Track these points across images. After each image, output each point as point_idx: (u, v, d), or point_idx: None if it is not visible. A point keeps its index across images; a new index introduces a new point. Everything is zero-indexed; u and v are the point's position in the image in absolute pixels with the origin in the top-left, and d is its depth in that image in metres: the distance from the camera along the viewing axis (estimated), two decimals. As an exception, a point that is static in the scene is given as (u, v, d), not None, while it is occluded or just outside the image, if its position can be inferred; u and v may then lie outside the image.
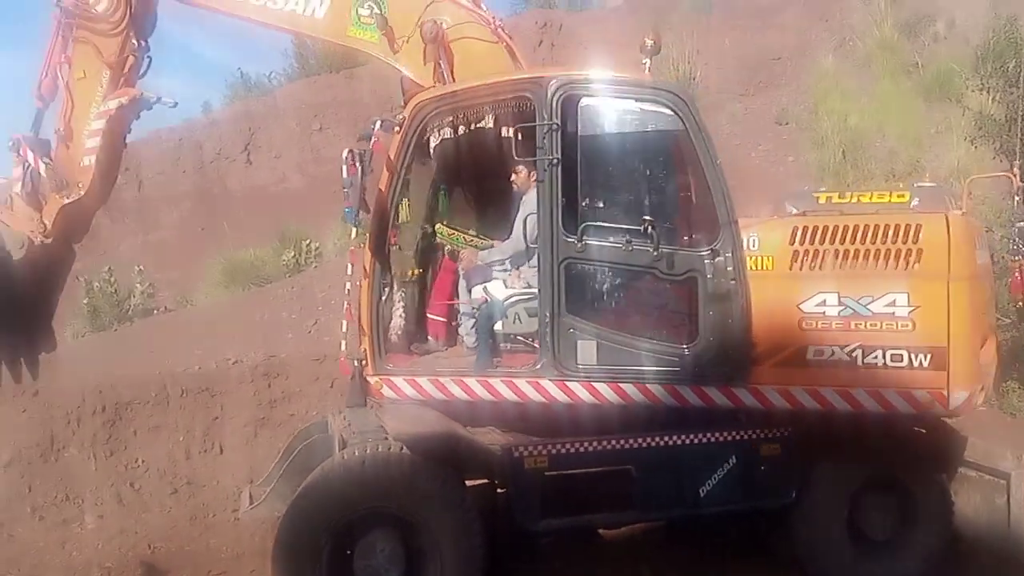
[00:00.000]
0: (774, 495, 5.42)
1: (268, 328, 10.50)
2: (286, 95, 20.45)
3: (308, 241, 13.88)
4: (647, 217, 5.06)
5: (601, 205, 5.25)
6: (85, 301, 12.31)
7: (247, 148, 19.47)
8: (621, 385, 5.19)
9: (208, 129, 19.97)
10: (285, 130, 19.56)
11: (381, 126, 5.56)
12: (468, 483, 5.31)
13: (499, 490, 5.47)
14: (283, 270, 13.34)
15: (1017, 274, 5.87)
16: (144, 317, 12.27)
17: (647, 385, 5.18)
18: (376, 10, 5.44)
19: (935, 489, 5.67)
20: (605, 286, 5.27)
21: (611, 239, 5.14)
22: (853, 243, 4.97)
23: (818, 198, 5.51)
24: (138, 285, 12.96)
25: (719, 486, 5.31)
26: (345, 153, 5.29)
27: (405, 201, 5.86)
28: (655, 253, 5.04)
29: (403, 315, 5.93)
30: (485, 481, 5.57)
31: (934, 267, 4.85)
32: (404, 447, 4.95)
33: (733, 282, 5.01)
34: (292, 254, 13.55)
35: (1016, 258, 5.91)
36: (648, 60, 5.50)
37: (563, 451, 5.18)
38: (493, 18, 5.78)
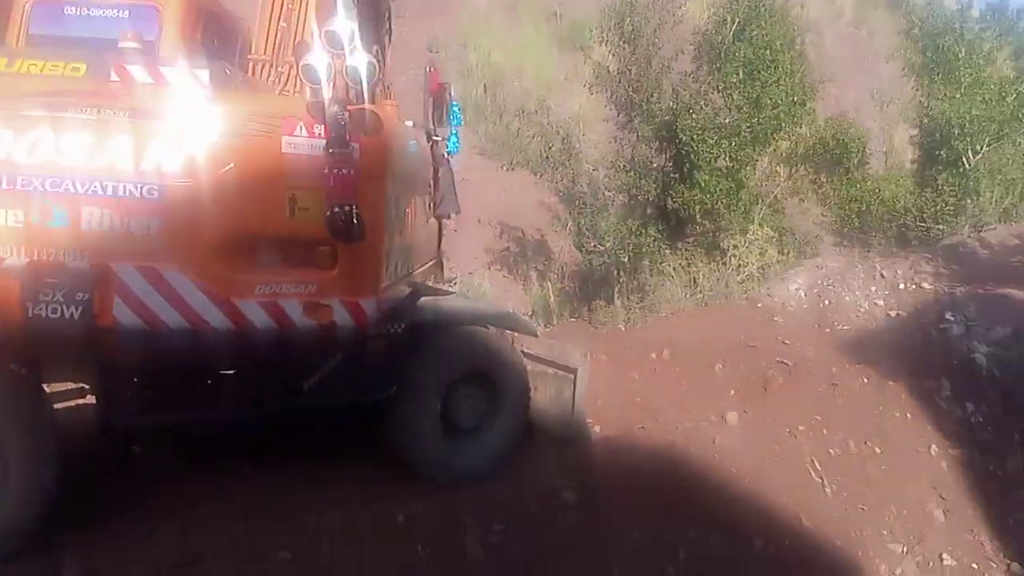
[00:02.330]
0: (375, 390, 5.61)
1: None
2: None
3: None
4: None
5: None
6: None
7: None
8: None
9: None
10: None
11: None
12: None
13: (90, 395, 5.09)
14: None
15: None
16: None
17: None
18: None
19: (516, 383, 6.32)
20: None
21: None
22: None
23: None
24: None
25: (322, 382, 5.38)
26: None
27: None
28: None
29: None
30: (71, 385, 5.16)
31: None
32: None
33: None
34: None
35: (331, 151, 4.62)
36: None
37: (157, 346, 4.87)
38: None
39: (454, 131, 6.82)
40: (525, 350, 6.71)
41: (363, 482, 5.82)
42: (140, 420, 4.95)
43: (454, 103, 6.81)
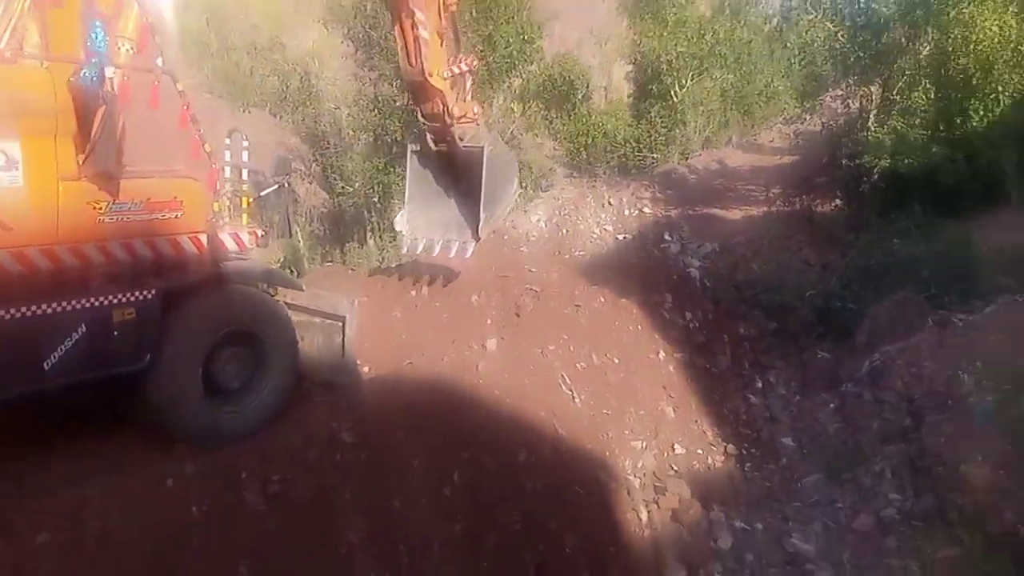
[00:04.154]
0: (128, 361, 5.28)
1: None
2: None
3: None
4: None
5: None
6: None
7: None
8: None
9: None
10: None
11: None
12: None
13: None
14: None
15: None
16: None
17: None
18: None
19: (283, 337, 6.24)
20: None
21: None
22: None
23: None
24: None
25: (67, 357, 4.95)
26: None
27: None
28: None
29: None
30: None
31: None
32: None
33: None
34: None
35: None
36: None
37: None
38: None
39: (93, 60, 5.04)
40: (290, 302, 6.61)
41: (126, 450, 5.52)
42: None
43: (95, 21, 5.14)
